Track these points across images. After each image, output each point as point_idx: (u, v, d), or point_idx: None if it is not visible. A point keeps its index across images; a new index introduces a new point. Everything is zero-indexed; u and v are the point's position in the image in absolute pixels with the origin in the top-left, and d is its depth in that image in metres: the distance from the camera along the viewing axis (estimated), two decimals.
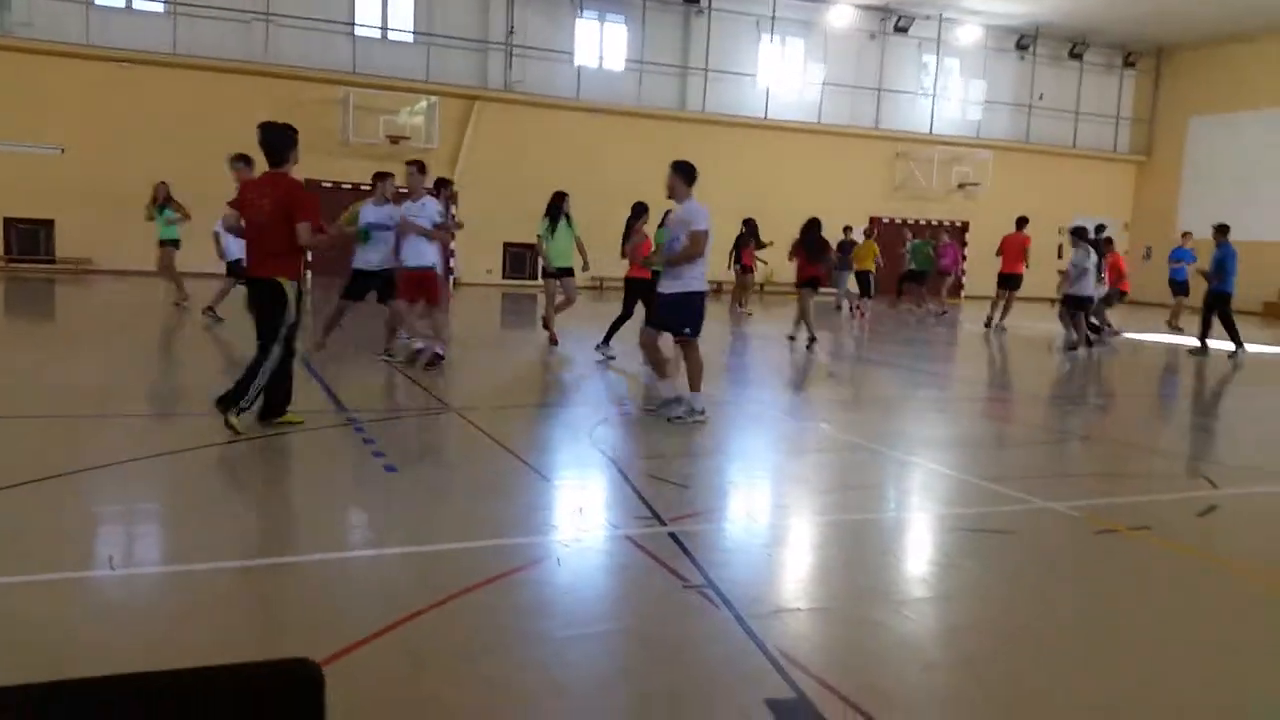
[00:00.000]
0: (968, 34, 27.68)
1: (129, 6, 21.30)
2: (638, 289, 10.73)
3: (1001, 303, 17.38)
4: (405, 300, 9.55)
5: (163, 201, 14.40)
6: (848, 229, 20.85)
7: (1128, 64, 29.99)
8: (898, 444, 7.39)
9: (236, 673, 1.34)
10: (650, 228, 11.10)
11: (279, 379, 6.42)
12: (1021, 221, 17.61)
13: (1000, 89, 28.80)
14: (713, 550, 4.52)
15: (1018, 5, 26.05)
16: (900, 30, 26.93)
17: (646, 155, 24.33)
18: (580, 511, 5.12)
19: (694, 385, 7.50)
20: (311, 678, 1.36)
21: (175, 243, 14.49)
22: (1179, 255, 19.23)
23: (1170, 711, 3.18)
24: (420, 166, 9.61)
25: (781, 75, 26.46)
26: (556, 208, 11.56)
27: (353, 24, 22.72)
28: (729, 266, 18.70)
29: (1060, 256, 17.14)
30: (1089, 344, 14.06)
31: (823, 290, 14.07)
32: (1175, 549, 4.86)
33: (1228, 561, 4.71)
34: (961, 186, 27.72)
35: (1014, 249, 17.23)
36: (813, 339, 13.06)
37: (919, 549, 4.88)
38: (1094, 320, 14.91)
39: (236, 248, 11.91)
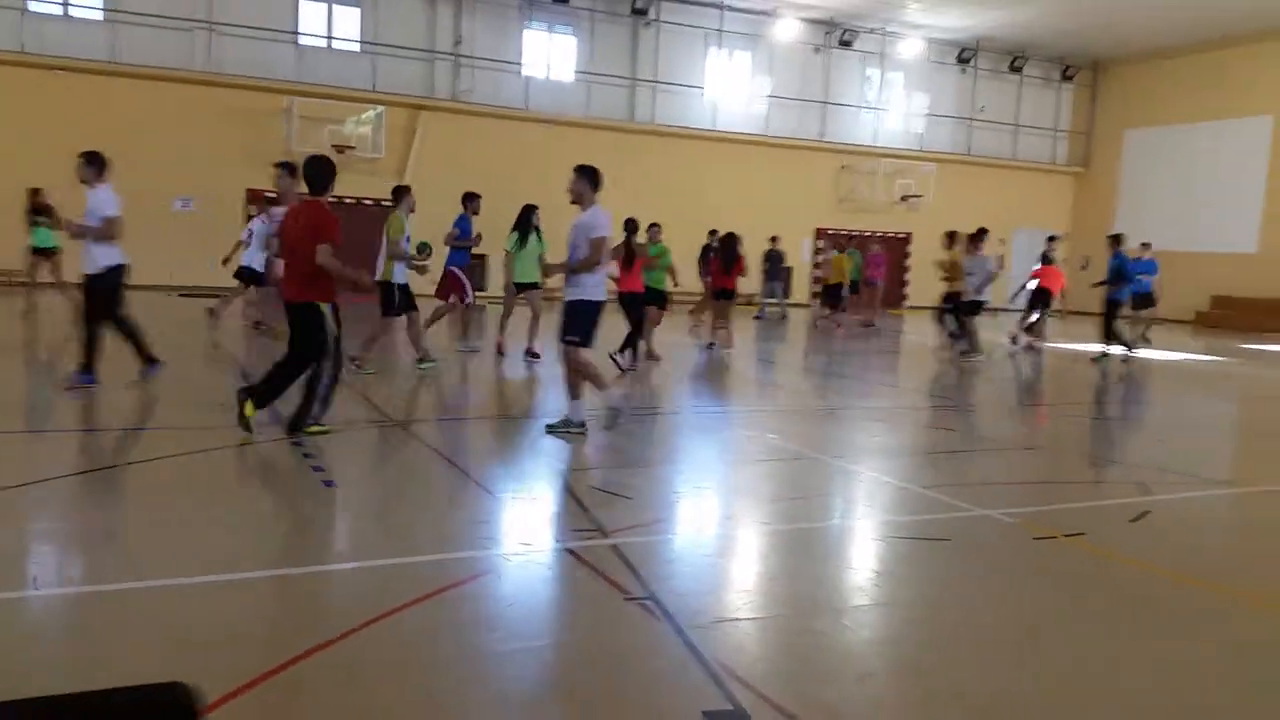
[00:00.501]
0: (910, 48, 28.19)
1: (65, 14, 20.86)
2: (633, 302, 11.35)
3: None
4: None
5: (40, 209, 14.18)
6: (774, 239, 21.22)
7: (1065, 77, 30.75)
8: (841, 453, 7.47)
9: (101, 699, 1.28)
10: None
11: (278, 390, 6.64)
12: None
13: (942, 102, 29.35)
14: (655, 562, 4.52)
15: (958, 19, 26.59)
16: (844, 44, 27.35)
17: (596, 165, 24.36)
18: (523, 525, 5.10)
19: (574, 394, 7.24)
20: (181, 702, 1.30)
21: (52, 250, 14.29)
22: (1140, 268, 18.20)
23: (1104, 712, 3.25)
24: (290, 169, 8.52)
25: (728, 87, 26.71)
26: (526, 220, 11.33)
27: (296, 33, 22.47)
28: (700, 278, 18.79)
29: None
30: (970, 350, 14.34)
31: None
32: (1108, 555, 4.97)
33: (1158, 567, 4.82)
34: (905, 199, 28.17)
35: None
36: (711, 344, 13.82)
37: (860, 557, 4.93)
38: (959, 327, 15.01)
39: (245, 257, 12.82)
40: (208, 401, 7.84)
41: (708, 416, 9.18)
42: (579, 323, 7.15)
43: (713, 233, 18.38)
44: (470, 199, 11.81)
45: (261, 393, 6.61)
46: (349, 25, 23.17)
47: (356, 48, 23.16)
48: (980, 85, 29.71)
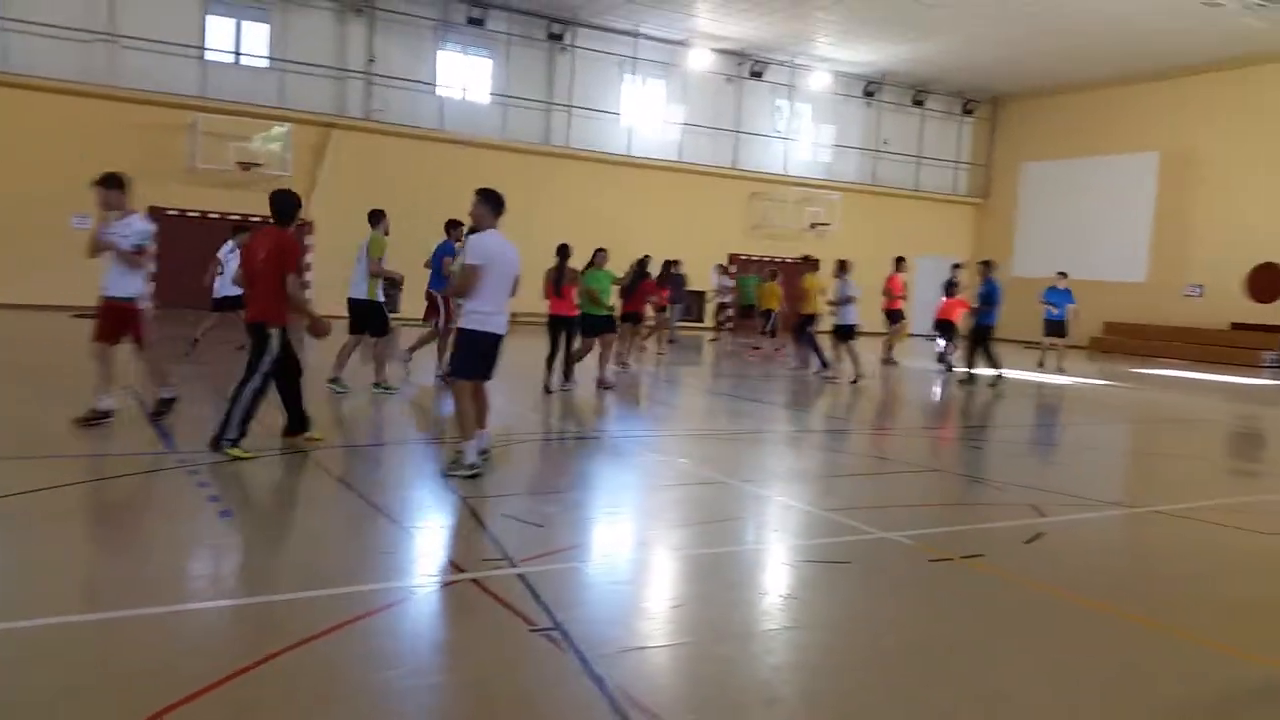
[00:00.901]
0: (818, 80, 28.93)
1: None
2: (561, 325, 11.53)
3: (890, 337, 18.27)
4: (103, 340, 7.73)
5: None
6: (674, 263, 20.43)
7: (966, 111, 31.91)
8: (751, 477, 7.55)
9: None
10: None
11: (291, 402, 7.30)
12: (899, 261, 18.43)
13: (849, 133, 30.15)
14: (563, 590, 4.49)
15: (864, 54, 27.40)
16: (755, 75, 27.92)
17: (511, 188, 24.21)
18: (428, 555, 5.01)
19: (463, 432, 6.70)
20: None
21: None
22: (1054, 298, 18.41)
23: None
24: (115, 180, 7.86)
25: (644, 114, 26.99)
26: None
27: (203, 47, 21.91)
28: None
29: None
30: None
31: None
32: (1004, 576, 5.12)
33: (1054, 588, 4.99)
34: (814, 226, 28.78)
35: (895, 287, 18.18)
36: (624, 366, 13.84)
37: (767, 582, 4.98)
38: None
39: (220, 286, 13.20)
40: (101, 429, 7.53)
41: (620, 440, 9.18)
42: (457, 354, 6.84)
43: (641, 261, 18.62)
44: (453, 226, 11.68)
45: (234, 426, 6.78)
46: (257, 41, 22.69)
47: (265, 64, 22.70)
48: (885, 118, 30.62)
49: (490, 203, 6.82)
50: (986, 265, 15.76)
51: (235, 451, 6.68)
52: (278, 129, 22.15)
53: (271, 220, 7.19)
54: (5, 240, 19.48)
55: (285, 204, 7.18)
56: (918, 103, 30.78)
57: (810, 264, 16.21)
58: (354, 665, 3.52)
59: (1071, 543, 6.07)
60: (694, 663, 3.81)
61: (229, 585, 4.43)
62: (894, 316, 18.29)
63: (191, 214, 21.43)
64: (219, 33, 22.29)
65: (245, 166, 21.76)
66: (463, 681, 3.54)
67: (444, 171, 23.77)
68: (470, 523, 5.68)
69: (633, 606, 4.48)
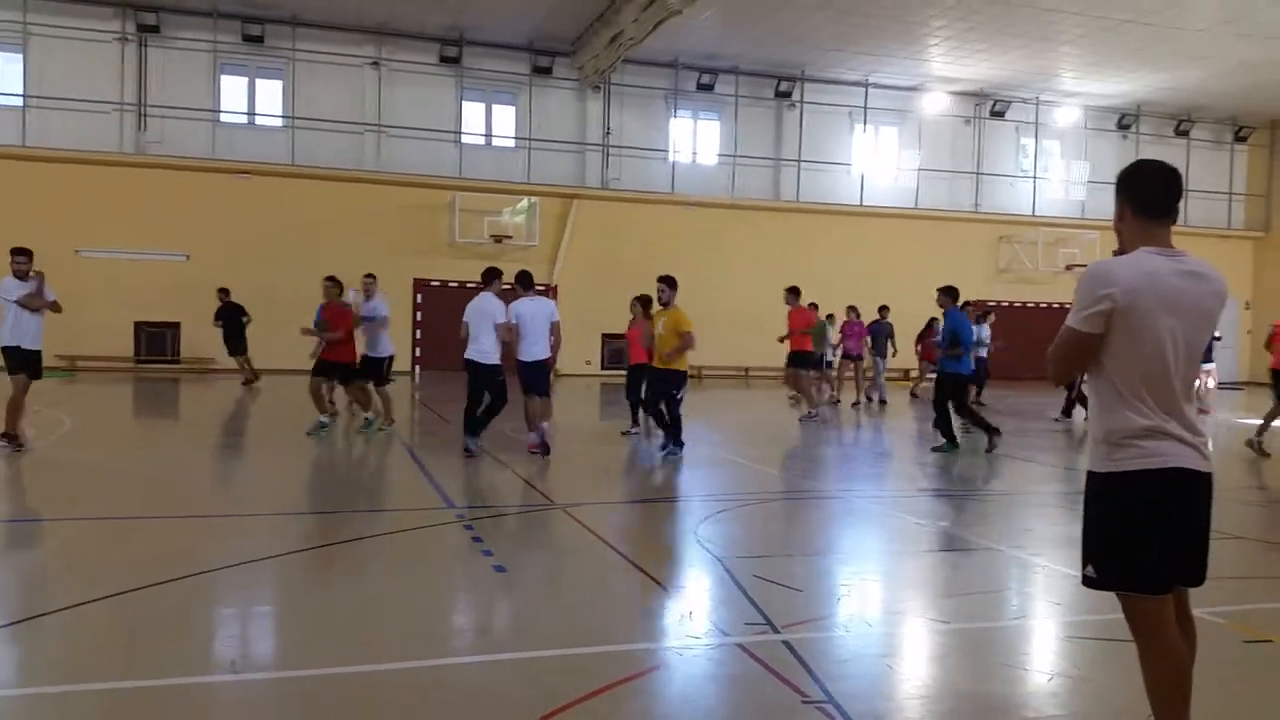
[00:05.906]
0: (1066, 115, 27.45)
1: (251, 122, 22.77)
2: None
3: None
4: None
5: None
6: (882, 310, 18.55)
7: (1239, 138, 29.20)
8: (1019, 542, 7.08)
9: None
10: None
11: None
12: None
13: (1103, 169, 28.25)
14: (829, 661, 4.36)
15: (1116, 85, 25.77)
16: (996, 115, 26.87)
17: (741, 244, 24.61)
18: (690, 616, 5.01)
19: None
20: None
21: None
22: None
23: None
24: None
25: (876, 163, 26.59)
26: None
27: (459, 132, 23.79)
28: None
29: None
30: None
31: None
32: None
33: None
34: (1069, 268, 27.11)
35: None
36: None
37: (1045, 659, 4.61)
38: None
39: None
40: (378, 484, 8.14)
41: (866, 500, 8.89)
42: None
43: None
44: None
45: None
46: (506, 123, 24.44)
47: (513, 143, 24.32)
48: (1144, 150, 28.48)
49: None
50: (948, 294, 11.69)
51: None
52: (524, 203, 23.60)
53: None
54: (300, 316, 21.79)
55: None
56: (1182, 133, 28.48)
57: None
58: None
59: None
60: None
61: (505, 640, 4.60)
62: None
63: (452, 284, 23.12)
64: (472, 117, 24.18)
65: (498, 239, 23.29)
66: None
67: (676, 232, 24.47)
68: (726, 583, 5.64)
69: (902, 681, 4.27)
